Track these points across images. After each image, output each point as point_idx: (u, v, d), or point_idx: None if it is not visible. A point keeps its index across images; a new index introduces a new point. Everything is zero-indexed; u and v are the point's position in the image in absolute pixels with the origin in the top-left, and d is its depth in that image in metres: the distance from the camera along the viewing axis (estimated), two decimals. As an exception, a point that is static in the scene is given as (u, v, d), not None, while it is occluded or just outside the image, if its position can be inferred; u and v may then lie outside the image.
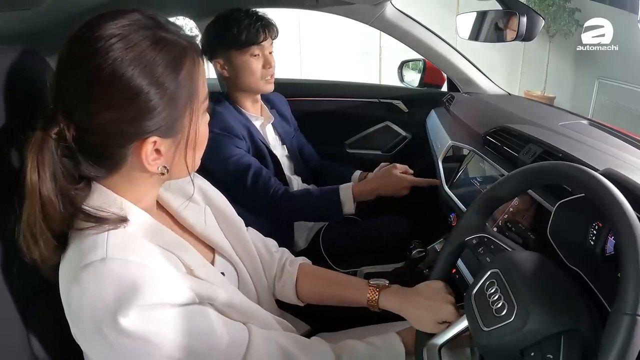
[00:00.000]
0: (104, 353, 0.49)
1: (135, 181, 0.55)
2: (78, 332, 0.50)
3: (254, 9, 1.20)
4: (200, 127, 0.56)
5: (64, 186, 0.49)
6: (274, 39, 1.23)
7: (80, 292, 0.47)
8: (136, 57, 0.48)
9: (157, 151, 0.52)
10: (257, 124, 1.28)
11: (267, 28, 1.18)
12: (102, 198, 0.53)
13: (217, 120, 1.15)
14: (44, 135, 0.47)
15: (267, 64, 1.20)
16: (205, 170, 0.65)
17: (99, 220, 0.50)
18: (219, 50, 1.20)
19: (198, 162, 0.59)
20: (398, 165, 1.21)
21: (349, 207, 1.14)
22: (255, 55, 1.18)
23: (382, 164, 1.37)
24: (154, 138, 0.51)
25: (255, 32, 1.16)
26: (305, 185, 1.39)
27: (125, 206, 0.54)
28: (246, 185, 1.13)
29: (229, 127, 1.17)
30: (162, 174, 0.54)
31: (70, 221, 0.51)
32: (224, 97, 1.27)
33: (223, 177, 1.11)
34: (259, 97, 1.30)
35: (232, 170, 1.13)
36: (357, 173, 1.42)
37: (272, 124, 1.35)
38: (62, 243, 0.51)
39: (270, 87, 1.25)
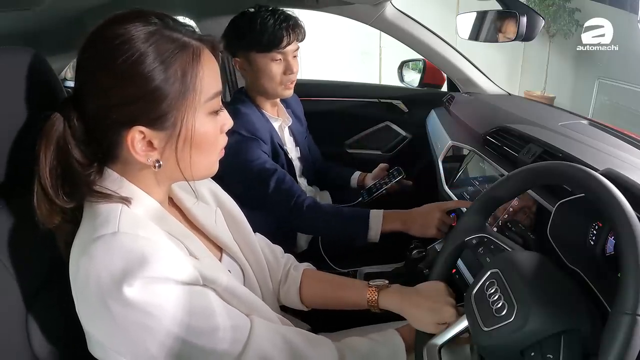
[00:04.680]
0: (106, 327, 0.49)
1: (138, 172, 0.56)
2: (82, 307, 0.51)
3: (280, 9, 1.14)
4: (199, 127, 0.55)
5: (73, 167, 0.52)
6: (300, 41, 1.17)
7: (88, 263, 0.48)
8: (127, 47, 0.50)
9: (150, 143, 0.54)
10: (275, 125, 1.25)
11: (293, 31, 1.11)
12: (113, 182, 0.55)
13: (243, 122, 1.11)
14: (55, 117, 0.51)
15: (289, 70, 1.14)
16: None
17: (106, 197, 0.53)
18: (239, 49, 1.14)
19: (201, 165, 0.58)
20: (442, 206, 1.02)
21: (375, 233, 1.03)
22: (276, 60, 1.12)
23: (381, 164, 1.37)
24: (139, 127, 0.52)
25: (279, 36, 1.09)
26: (310, 188, 1.39)
27: (134, 191, 0.56)
28: (268, 190, 1.07)
29: (255, 129, 1.13)
30: (154, 167, 0.55)
31: (80, 197, 0.54)
32: (246, 96, 1.22)
33: (244, 179, 1.07)
34: (278, 100, 1.26)
35: (256, 173, 1.08)
36: (357, 174, 1.42)
37: (289, 126, 1.31)
38: (75, 215, 0.54)
39: (289, 93, 1.20)
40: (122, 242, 0.49)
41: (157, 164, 0.54)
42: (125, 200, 0.54)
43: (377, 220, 1.03)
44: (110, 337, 0.50)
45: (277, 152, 1.20)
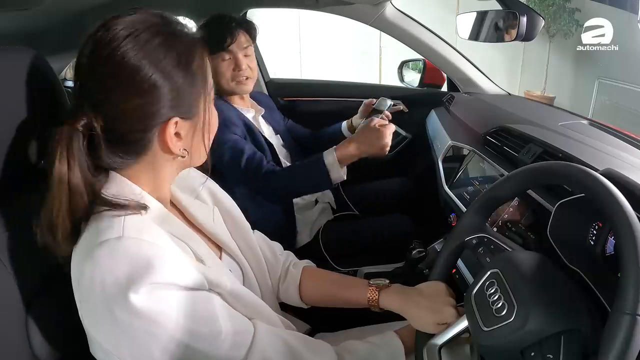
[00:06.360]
0: (110, 332, 0.49)
1: (156, 168, 0.58)
2: (85, 311, 0.51)
3: (231, 15, 1.24)
4: (212, 115, 0.61)
5: (88, 175, 0.52)
6: (253, 40, 1.26)
7: (92, 267, 0.48)
8: (149, 51, 0.52)
9: (177, 134, 0.56)
10: (249, 116, 1.32)
11: (237, 30, 1.21)
12: (119, 186, 0.55)
13: None
14: (71, 128, 0.50)
15: (237, 67, 1.23)
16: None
17: (116, 207, 0.52)
18: None
19: (205, 151, 0.63)
20: (375, 119, 1.15)
21: (336, 172, 1.09)
22: (226, 59, 1.22)
23: (365, 101, 1.39)
24: (175, 119, 0.55)
25: (223, 37, 1.20)
26: None
27: (141, 194, 0.56)
28: (240, 168, 1.14)
29: (224, 116, 1.19)
30: (183, 156, 0.58)
31: (90, 208, 0.53)
32: (217, 95, 1.28)
33: (220, 163, 1.15)
34: (244, 95, 1.34)
35: (228, 155, 1.15)
36: (345, 123, 1.46)
37: (262, 115, 1.39)
38: (77, 229, 0.54)
39: (244, 89, 1.27)
40: (127, 247, 0.49)
41: (185, 153, 0.58)
42: (140, 208, 0.54)
43: (332, 158, 1.09)
44: (114, 342, 0.50)
45: (256, 136, 1.26)
